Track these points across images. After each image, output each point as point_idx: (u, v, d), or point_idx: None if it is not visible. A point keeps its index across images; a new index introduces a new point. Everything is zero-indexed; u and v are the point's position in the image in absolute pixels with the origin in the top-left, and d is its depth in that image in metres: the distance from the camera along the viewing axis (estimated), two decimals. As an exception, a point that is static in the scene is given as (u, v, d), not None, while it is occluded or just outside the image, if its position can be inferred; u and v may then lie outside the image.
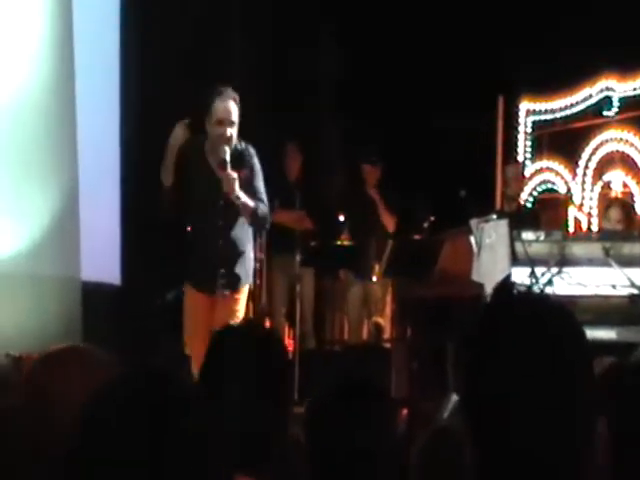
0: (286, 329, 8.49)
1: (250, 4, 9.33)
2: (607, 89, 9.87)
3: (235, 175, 5.67)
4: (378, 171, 9.13)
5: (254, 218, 5.80)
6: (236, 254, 5.79)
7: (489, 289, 6.02)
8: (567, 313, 1.51)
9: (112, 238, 8.03)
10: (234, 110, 5.70)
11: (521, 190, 9.29)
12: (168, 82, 8.19)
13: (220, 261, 5.69)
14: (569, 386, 1.46)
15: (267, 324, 8.30)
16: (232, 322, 4.82)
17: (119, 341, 7.64)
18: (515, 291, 1.54)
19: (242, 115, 5.88)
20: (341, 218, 9.10)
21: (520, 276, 6.24)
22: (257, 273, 8.15)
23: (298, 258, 8.29)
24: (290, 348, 8.02)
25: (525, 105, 10.36)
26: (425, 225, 8.67)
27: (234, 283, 5.75)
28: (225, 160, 5.69)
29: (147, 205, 8.11)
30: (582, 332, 1.51)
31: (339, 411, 2.37)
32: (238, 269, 5.79)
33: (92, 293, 7.49)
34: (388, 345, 8.26)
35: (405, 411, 6.55)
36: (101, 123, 8.01)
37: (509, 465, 1.45)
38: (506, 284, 1.55)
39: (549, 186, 10.02)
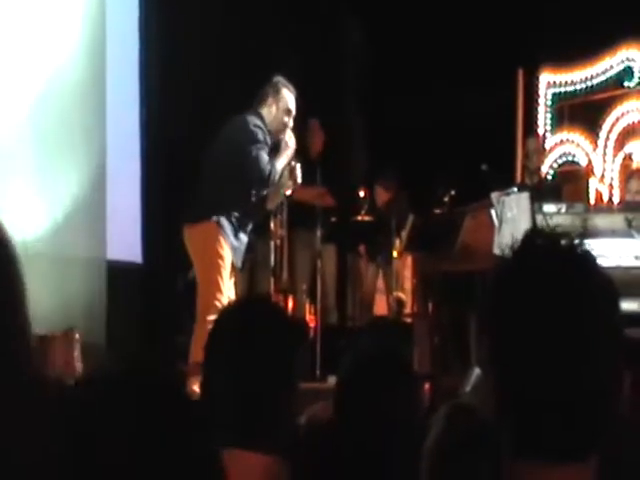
0: (307, 305, 8.51)
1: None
2: (628, 59, 9.79)
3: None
4: (389, 194, 9.10)
5: None
6: None
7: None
8: (593, 261, 1.49)
9: (133, 217, 8.08)
10: None
11: (542, 163, 9.25)
12: (187, 64, 8.22)
13: None
14: (597, 320, 1.44)
15: (289, 300, 8.33)
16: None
17: (142, 319, 7.71)
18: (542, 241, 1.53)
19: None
20: (362, 194, 9.09)
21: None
22: (278, 249, 8.17)
23: (319, 234, 8.29)
24: (312, 324, 8.05)
25: (545, 77, 10.28)
26: (446, 199, 8.64)
27: None
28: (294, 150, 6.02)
29: (167, 184, 8.17)
30: (609, 279, 1.48)
31: (367, 384, 2.38)
32: None
33: (115, 271, 7.54)
34: (410, 320, 8.26)
35: (427, 385, 6.56)
36: (122, 105, 8.07)
37: (528, 390, 1.44)
38: (534, 234, 1.54)
39: (570, 158, 9.96)
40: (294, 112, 5.98)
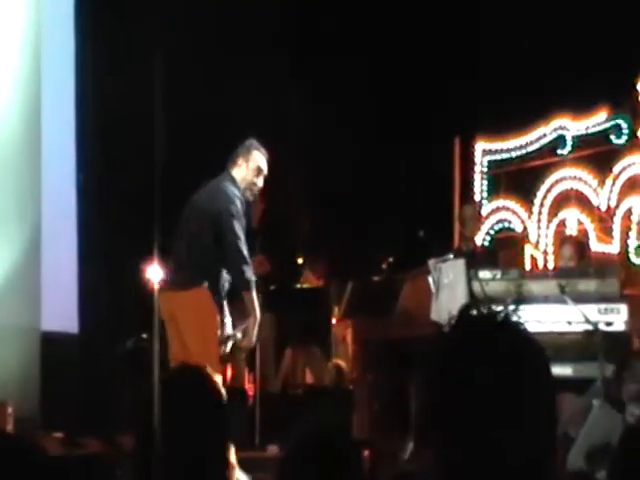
0: (247, 373, 8.46)
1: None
2: (561, 128, 10.02)
3: None
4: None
5: None
6: None
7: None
8: (526, 332, 1.56)
9: (69, 288, 8.01)
10: None
11: (478, 230, 9.37)
12: (125, 130, 8.23)
13: None
14: (530, 387, 1.51)
15: (228, 369, 8.28)
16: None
17: (79, 390, 7.62)
18: (478, 313, 1.59)
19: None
20: (300, 261, 9.12)
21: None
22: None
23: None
24: (251, 392, 8.01)
25: (481, 145, 10.47)
26: (384, 266, 8.71)
27: None
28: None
29: (104, 254, 8.13)
30: (540, 348, 1.56)
31: (313, 464, 2.41)
32: None
33: (51, 342, 7.46)
34: (350, 386, 8.26)
35: (367, 452, 6.55)
36: (59, 175, 8.05)
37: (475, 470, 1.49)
38: (470, 306, 1.60)
39: (506, 225, 10.11)
40: (265, 172, 6.20)
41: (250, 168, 6.17)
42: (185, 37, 8.41)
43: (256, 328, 6.17)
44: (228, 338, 6.11)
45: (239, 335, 6.14)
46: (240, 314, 7.97)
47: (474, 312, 1.56)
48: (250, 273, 6.01)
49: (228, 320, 6.14)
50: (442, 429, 1.52)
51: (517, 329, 1.55)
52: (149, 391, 2.26)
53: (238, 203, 6.05)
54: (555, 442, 1.54)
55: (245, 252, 5.98)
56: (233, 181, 6.15)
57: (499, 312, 1.55)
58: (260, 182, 6.20)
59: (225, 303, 6.11)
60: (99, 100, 8.30)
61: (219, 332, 6.01)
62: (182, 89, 8.58)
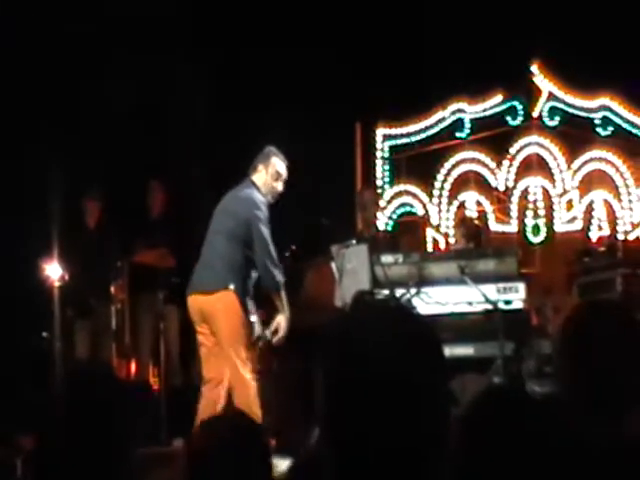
0: (151, 367, 8.38)
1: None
2: (459, 111, 10.14)
3: None
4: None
5: None
6: None
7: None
8: (417, 315, 1.59)
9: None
10: None
11: (374, 214, 9.40)
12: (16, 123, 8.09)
13: None
14: (419, 370, 1.52)
15: (132, 364, 8.19)
16: None
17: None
18: (371, 299, 1.61)
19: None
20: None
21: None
22: (120, 313, 8.05)
23: (161, 296, 8.19)
24: (155, 386, 7.93)
25: (382, 130, 10.53)
26: (287, 254, 8.68)
27: None
28: None
29: (1, 253, 7.97)
30: (432, 331, 1.57)
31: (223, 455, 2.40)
32: None
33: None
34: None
35: (273, 441, 6.54)
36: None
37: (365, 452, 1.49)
38: (364, 294, 1.62)
39: (408, 209, 10.20)
40: (284, 176, 6.50)
41: (269, 173, 6.48)
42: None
43: (286, 326, 6.39)
44: (259, 339, 6.39)
45: (268, 334, 6.41)
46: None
47: (368, 298, 1.57)
48: (280, 276, 6.27)
49: (255, 320, 6.39)
50: (335, 413, 1.53)
51: (408, 313, 1.57)
52: (52, 389, 2.22)
53: (264, 208, 6.34)
54: (447, 422, 1.54)
55: (274, 255, 6.27)
56: (256, 187, 6.43)
57: (392, 297, 1.56)
58: (280, 186, 6.50)
59: (251, 304, 6.36)
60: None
61: (248, 331, 6.26)
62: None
